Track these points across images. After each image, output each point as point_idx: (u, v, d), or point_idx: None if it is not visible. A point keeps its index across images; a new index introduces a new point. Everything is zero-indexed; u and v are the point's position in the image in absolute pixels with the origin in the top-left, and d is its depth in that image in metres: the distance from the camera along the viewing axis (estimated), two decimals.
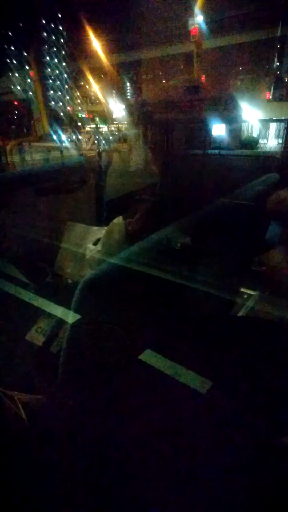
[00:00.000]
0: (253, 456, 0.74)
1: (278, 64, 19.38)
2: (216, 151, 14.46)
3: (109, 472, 0.82)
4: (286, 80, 19.26)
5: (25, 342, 1.34)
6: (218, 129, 17.14)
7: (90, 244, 1.54)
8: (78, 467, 0.85)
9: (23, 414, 0.89)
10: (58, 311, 1.30)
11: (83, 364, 1.00)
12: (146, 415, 0.88)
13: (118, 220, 1.46)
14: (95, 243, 1.54)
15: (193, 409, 0.86)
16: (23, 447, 0.83)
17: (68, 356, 0.98)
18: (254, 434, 0.77)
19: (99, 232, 1.61)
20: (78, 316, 1.02)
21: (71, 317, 1.04)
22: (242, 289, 1.61)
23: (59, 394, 0.96)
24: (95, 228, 1.64)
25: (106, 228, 1.50)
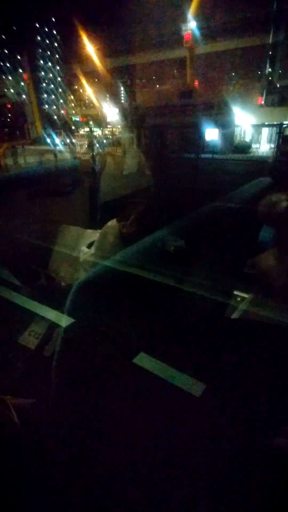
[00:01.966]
0: (248, 457, 0.74)
1: (270, 70, 19.67)
2: (209, 155, 14.57)
3: (104, 475, 0.82)
4: (278, 86, 19.54)
5: (18, 346, 1.32)
6: (211, 134, 17.30)
7: (84, 247, 1.54)
8: (72, 470, 0.84)
9: (15, 418, 0.88)
10: (51, 314, 1.29)
11: (76, 367, 0.99)
12: (141, 418, 0.87)
13: (112, 223, 1.46)
14: (89, 246, 1.54)
15: (188, 411, 0.86)
16: (16, 451, 0.82)
17: (61, 360, 0.97)
18: (249, 435, 0.78)
19: (93, 235, 1.61)
20: (71, 320, 1.02)
21: (64, 321, 1.03)
22: (235, 292, 1.61)
23: (52, 397, 0.95)
24: (89, 231, 1.64)
25: (100, 231, 1.49)
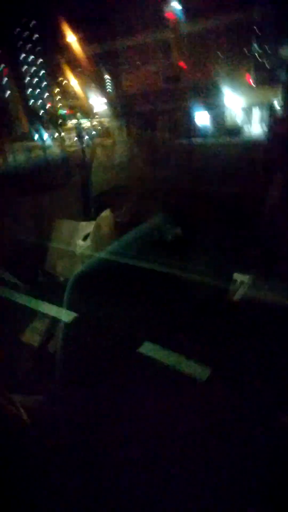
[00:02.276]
0: (256, 436, 0.75)
1: (258, 48, 19.27)
2: (202, 140, 14.36)
3: (111, 469, 0.82)
4: (267, 65, 19.19)
5: (21, 344, 1.32)
6: (203, 117, 17.00)
7: (80, 240, 1.52)
8: (80, 465, 0.85)
9: (23, 415, 0.88)
10: (52, 310, 1.29)
11: (81, 361, 0.99)
12: (148, 406, 0.87)
13: (106, 213, 1.44)
14: (84, 239, 1.53)
15: (194, 396, 0.86)
16: (24, 447, 0.82)
17: (64, 355, 0.97)
18: (254, 415, 0.78)
19: (88, 227, 1.59)
20: (73, 314, 1.01)
21: (65, 315, 1.03)
22: (235, 275, 1.61)
23: (58, 392, 0.95)
24: (83, 223, 1.62)
25: (94, 222, 1.48)
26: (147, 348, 0.95)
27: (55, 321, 1.26)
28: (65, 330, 0.99)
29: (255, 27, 18.03)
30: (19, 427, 0.88)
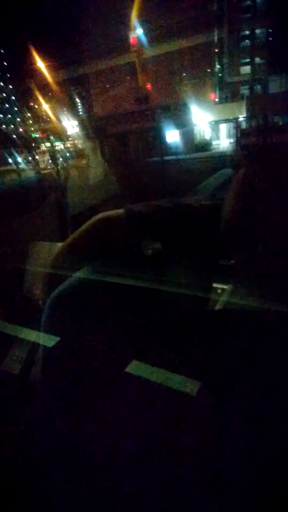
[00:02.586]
0: (251, 448, 0.74)
1: (219, 67, 20.29)
2: (173, 157, 14.79)
3: (102, 497, 0.79)
4: (228, 82, 20.17)
5: (2, 373, 1.26)
6: (172, 135, 17.59)
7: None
8: (68, 494, 0.81)
9: (6, 448, 0.84)
10: (32, 335, 1.24)
11: (66, 387, 0.96)
12: (141, 428, 0.85)
13: None
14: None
15: (186, 412, 0.84)
16: (9, 479, 0.78)
17: (48, 381, 0.93)
18: (249, 426, 0.77)
19: None
20: (52, 338, 0.98)
21: (46, 340, 1.00)
22: (215, 285, 1.62)
23: (43, 422, 0.91)
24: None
25: None
26: (135, 367, 0.93)
27: (36, 346, 1.22)
28: (45, 355, 0.96)
29: (215, 47, 19.05)
30: (2, 462, 0.84)
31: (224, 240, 0.77)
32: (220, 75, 19.43)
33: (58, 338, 0.97)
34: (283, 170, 0.67)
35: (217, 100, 18.96)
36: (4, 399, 1.15)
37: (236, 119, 15.41)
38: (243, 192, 0.71)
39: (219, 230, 0.81)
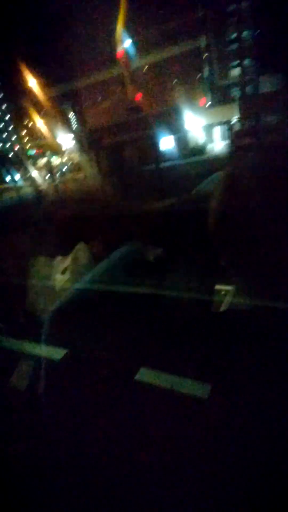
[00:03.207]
0: (260, 453, 0.72)
1: (209, 71, 20.50)
2: (169, 164, 14.88)
3: (117, 502, 0.78)
4: (219, 85, 20.36)
5: (9, 390, 1.26)
6: (167, 142, 17.73)
7: (58, 275, 1.51)
8: (78, 503, 0.80)
9: (15, 462, 0.83)
10: (36, 350, 1.24)
11: (72, 399, 0.95)
12: (151, 435, 0.84)
13: (81, 245, 1.44)
14: (63, 273, 1.51)
15: (198, 416, 0.83)
16: (17, 495, 0.77)
17: (53, 395, 0.93)
18: (260, 429, 0.76)
19: (65, 260, 1.58)
20: (57, 351, 0.98)
21: (51, 352, 1.00)
22: (217, 287, 1.61)
23: (50, 436, 0.90)
24: (60, 258, 1.61)
25: (71, 255, 1.47)
26: (144, 375, 0.92)
27: (41, 361, 1.22)
28: (52, 367, 0.95)
29: (203, 52, 19.27)
30: (12, 475, 0.83)
31: (212, 240, 0.78)
32: (211, 79, 19.62)
33: (64, 350, 0.97)
34: (270, 169, 0.68)
35: (209, 103, 19.12)
36: (12, 414, 1.14)
37: (229, 121, 15.51)
38: (226, 192, 0.71)
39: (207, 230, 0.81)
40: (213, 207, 0.73)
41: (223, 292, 1.74)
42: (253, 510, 0.64)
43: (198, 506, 0.74)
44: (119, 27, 18.44)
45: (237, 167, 0.73)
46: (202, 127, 17.40)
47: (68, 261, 1.51)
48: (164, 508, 0.76)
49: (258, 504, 0.63)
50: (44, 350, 1.13)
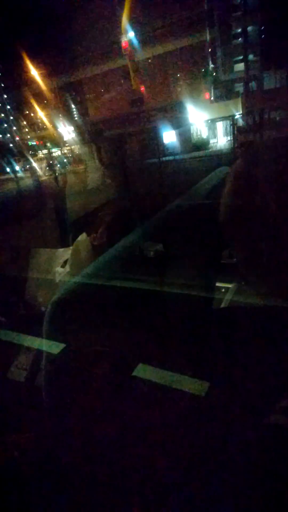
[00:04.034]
0: (259, 445, 0.73)
1: (213, 66, 20.34)
2: (171, 157, 14.81)
3: (111, 497, 0.78)
4: (222, 80, 20.22)
5: (8, 381, 1.26)
6: (170, 136, 17.62)
7: (58, 267, 1.50)
8: (75, 497, 0.80)
9: (15, 455, 0.83)
10: (36, 343, 1.24)
11: (72, 392, 0.95)
12: (150, 432, 0.84)
13: (82, 237, 1.43)
14: (63, 265, 1.50)
15: (195, 413, 0.83)
16: (18, 488, 0.77)
17: (53, 388, 0.92)
18: (259, 423, 0.76)
19: (65, 253, 1.56)
20: (57, 344, 0.98)
21: (49, 346, 0.99)
22: (218, 284, 1.61)
23: (50, 428, 0.90)
24: (61, 250, 1.60)
25: (71, 247, 1.46)
26: (142, 371, 0.92)
27: (41, 353, 1.21)
28: (50, 361, 0.95)
29: (207, 47, 19.10)
30: (11, 469, 0.83)
31: (225, 237, 0.77)
32: (214, 73, 19.46)
33: (63, 344, 0.97)
34: (279, 164, 0.67)
35: (212, 98, 18.99)
36: (11, 406, 1.14)
37: (232, 116, 15.40)
38: (238, 187, 0.70)
39: (218, 228, 0.80)
40: (225, 202, 0.72)
41: (223, 290, 1.74)
42: (250, 507, 0.64)
43: (193, 500, 0.74)
44: (124, 18, 18.23)
45: (248, 162, 0.72)
46: (205, 122, 17.28)
47: (68, 254, 1.50)
48: (159, 500, 0.77)
49: (255, 502, 0.63)
50: (42, 343, 1.13)
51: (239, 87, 19.36)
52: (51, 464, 0.88)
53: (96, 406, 0.90)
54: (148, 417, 0.86)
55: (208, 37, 18.88)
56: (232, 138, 15.12)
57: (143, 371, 0.91)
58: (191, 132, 17.37)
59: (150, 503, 0.77)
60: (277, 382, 0.80)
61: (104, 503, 0.80)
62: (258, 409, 0.77)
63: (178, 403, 0.88)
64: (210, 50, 19.16)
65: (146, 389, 0.89)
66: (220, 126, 17.46)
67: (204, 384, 0.87)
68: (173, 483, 0.79)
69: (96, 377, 0.95)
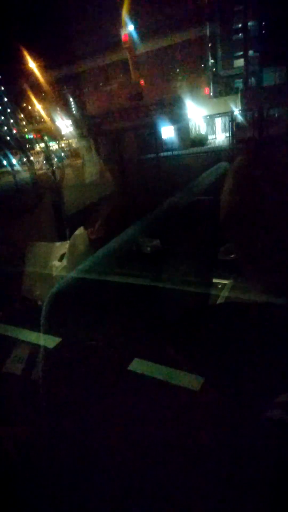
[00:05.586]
0: (254, 442, 0.73)
1: (212, 61, 20.20)
2: (169, 153, 14.77)
3: (106, 498, 0.79)
4: (222, 76, 20.10)
5: (3, 375, 1.26)
6: (168, 131, 17.55)
7: (56, 261, 1.49)
8: (70, 493, 0.80)
9: (9, 447, 0.83)
10: (32, 336, 1.24)
11: (67, 386, 0.95)
12: (144, 426, 0.85)
13: (80, 231, 1.42)
14: (60, 259, 1.50)
15: (191, 408, 0.84)
16: (12, 482, 0.77)
17: (49, 381, 0.93)
18: (254, 418, 0.77)
19: (62, 247, 1.56)
20: (53, 338, 0.98)
21: (45, 340, 0.99)
22: (215, 280, 1.61)
23: (45, 421, 0.91)
24: (58, 244, 1.59)
25: (69, 241, 1.45)
26: (137, 365, 0.93)
27: (37, 347, 1.21)
28: (49, 355, 0.95)
29: (207, 42, 18.94)
30: (5, 461, 0.83)
31: (225, 233, 0.77)
32: (214, 69, 19.33)
33: (59, 338, 0.97)
34: (278, 160, 0.67)
35: (211, 94, 18.87)
36: (7, 399, 1.15)
37: (231, 112, 15.34)
38: (240, 184, 0.70)
39: (216, 224, 0.80)
40: (226, 198, 0.72)
41: (220, 286, 1.75)
42: (246, 503, 0.64)
43: (189, 496, 0.75)
44: (124, 11, 18.03)
45: (249, 158, 0.72)
46: (203, 118, 17.21)
47: (65, 247, 1.49)
48: (156, 497, 0.77)
49: (251, 497, 0.64)
50: (39, 337, 1.13)
51: (239, 83, 19.26)
52: (46, 457, 0.88)
53: (92, 400, 0.91)
54: (144, 411, 0.87)
55: (208, 32, 18.73)
56: (230, 135, 15.09)
57: (139, 366, 0.92)
58: (190, 127, 17.30)
59: (146, 496, 0.78)
60: (273, 378, 0.81)
61: (99, 496, 0.81)
62: (253, 405, 0.78)
63: (173, 398, 0.88)
64: (210, 45, 19.01)
65: (142, 383, 0.89)
66: (219, 122, 17.40)
67: (199, 379, 0.87)
68: (168, 477, 0.80)
69: (91, 371, 0.95)
